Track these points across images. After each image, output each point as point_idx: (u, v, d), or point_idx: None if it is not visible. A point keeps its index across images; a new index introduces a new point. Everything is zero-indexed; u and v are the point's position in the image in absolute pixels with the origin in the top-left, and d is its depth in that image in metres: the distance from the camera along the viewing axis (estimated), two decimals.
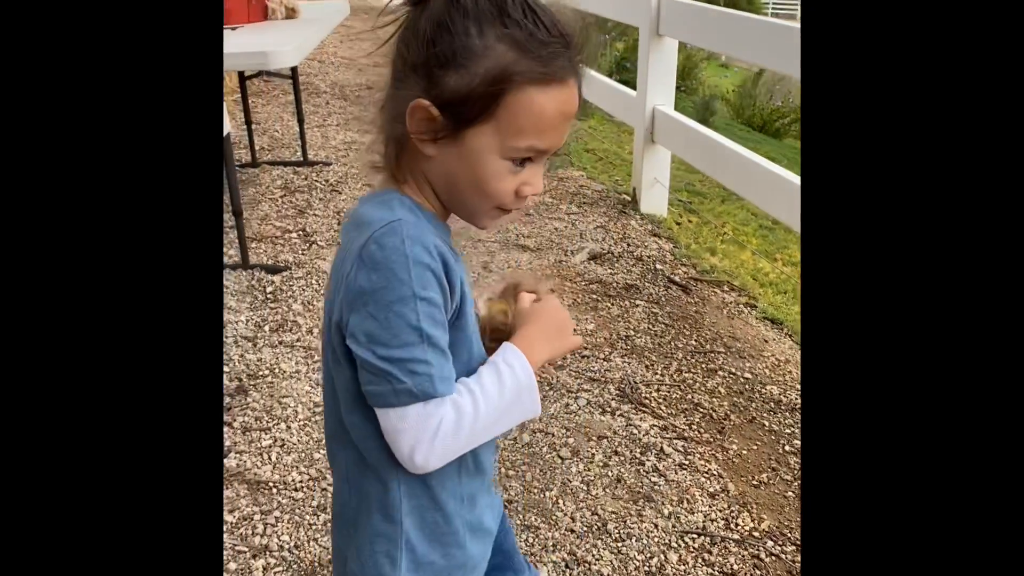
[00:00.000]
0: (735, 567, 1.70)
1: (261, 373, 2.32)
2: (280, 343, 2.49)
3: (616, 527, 1.79)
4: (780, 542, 1.78)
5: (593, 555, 1.72)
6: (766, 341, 2.68)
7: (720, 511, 1.86)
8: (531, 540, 1.75)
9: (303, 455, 1.99)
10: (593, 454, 2.03)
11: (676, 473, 1.98)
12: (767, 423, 2.21)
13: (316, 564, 1.66)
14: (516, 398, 0.82)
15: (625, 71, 6.69)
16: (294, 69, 3.89)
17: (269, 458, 1.98)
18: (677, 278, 3.05)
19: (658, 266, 3.15)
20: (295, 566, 1.66)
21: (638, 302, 2.85)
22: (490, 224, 0.86)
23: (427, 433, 0.78)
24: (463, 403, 0.79)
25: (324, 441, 2.03)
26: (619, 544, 1.75)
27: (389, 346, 0.76)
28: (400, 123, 0.80)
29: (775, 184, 2.78)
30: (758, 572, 1.70)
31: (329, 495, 1.86)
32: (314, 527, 1.76)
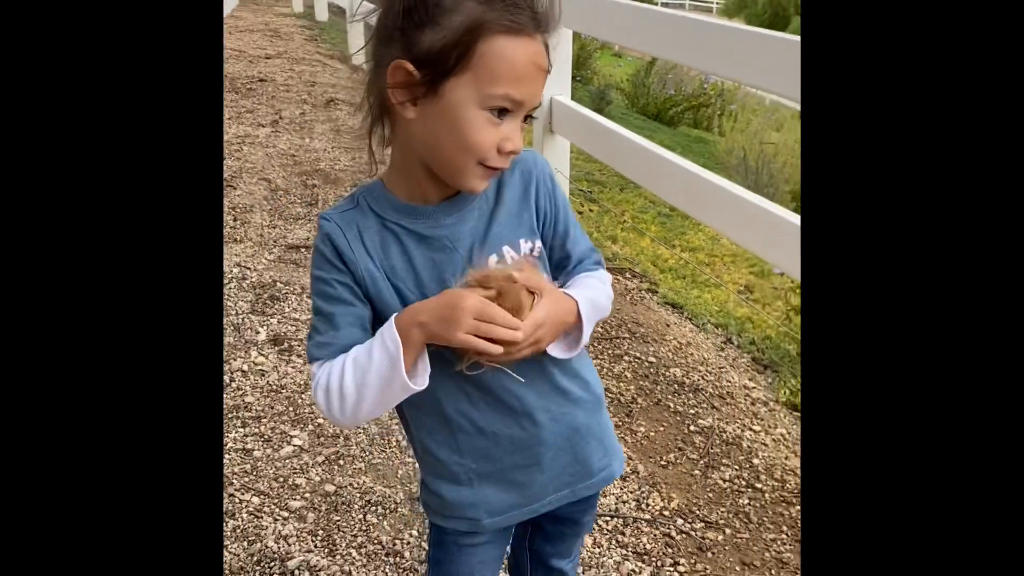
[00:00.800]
0: (648, 546, 1.75)
1: None
2: None
3: None
4: (689, 519, 1.83)
5: None
6: (668, 325, 2.75)
7: (631, 492, 1.91)
8: None
9: None
10: None
11: None
12: (672, 405, 2.27)
13: (228, 572, 1.61)
14: (389, 366, 0.86)
15: None
16: None
17: None
18: None
19: None
20: None
21: None
22: (479, 185, 0.89)
23: (314, 389, 0.91)
24: (335, 365, 0.90)
25: (233, 446, 1.97)
26: None
27: None
28: (383, 96, 0.86)
29: (671, 172, 2.84)
30: (670, 550, 1.74)
31: (235, 502, 1.81)
32: (222, 534, 1.71)
